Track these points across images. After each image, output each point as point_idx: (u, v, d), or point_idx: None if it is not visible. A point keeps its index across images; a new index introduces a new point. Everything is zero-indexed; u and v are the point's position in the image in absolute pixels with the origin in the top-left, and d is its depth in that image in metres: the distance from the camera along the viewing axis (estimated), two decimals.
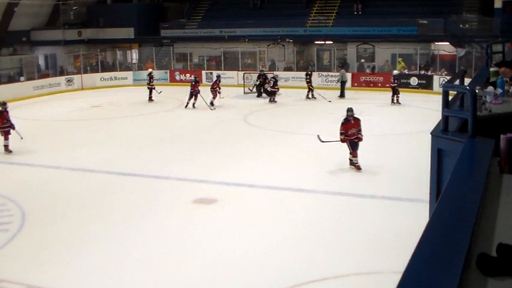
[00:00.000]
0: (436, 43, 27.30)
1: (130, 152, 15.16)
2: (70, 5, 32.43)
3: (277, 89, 24.11)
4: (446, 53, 26.58)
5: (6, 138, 14.98)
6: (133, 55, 34.55)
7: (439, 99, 4.62)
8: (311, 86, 24.09)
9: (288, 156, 14.07)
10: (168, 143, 16.23)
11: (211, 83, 23.69)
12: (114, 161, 14.06)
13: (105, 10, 33.95)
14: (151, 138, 16.84)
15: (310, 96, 24.04)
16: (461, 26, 26.67)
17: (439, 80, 24.70)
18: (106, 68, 31.87)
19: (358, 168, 12.42)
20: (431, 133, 4.46)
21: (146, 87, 25.28)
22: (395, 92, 22.21)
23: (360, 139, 12.48)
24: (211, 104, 22.35)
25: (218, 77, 23.65)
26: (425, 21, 26.99)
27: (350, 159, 12.58)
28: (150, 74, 25.26)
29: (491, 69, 5.93)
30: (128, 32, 32.25)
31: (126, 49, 34.12)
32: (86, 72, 30.52)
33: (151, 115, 21.43)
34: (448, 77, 19.64)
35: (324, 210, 10.24)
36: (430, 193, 4.38)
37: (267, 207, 10.48)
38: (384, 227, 9.34)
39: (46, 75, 29.46)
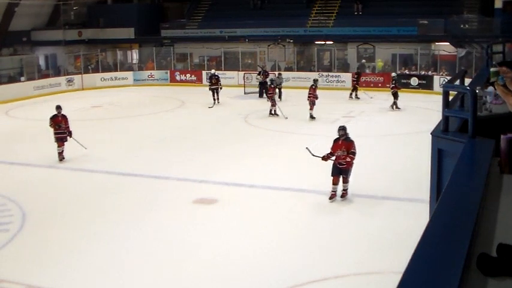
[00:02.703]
0: (437, 43, 27.30)
1: (130, 152, 15.16)
2: (70, 5, 32.42)
3: (273, 91, 20.88)
4: (447, 53, 26.58)
5: (59, 145, 13.91)
6: (134, 55, 34.55)
7: (439, 99, 4.61)
8: (357, 85, 24.02)
9: (288, 156, 14.06)
10: (168, 143, 16.23)
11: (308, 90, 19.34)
12: (114, 161, 14.07)
13: (105, 10, 33.94)
14: (151, 139, 16.84)
15: (353, 96, 23.89)
16: (461, 26, 26.66)
17: (439, 80, 24.70)
18: (106, 68, 31.87)
19: (331, 197, 10.51)
20: (431, 133, 4.46)
21: (208, 88, 23.42)
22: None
23: (343, 165, 10.38)
24: (311, 116, 18.95)
25: (315, 81, 20.01)
26: (426, 22, 27.00)
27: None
28: (212, 76, 23.79)
29: (492, 69, 5.93)
30: (128, 32, 32.24)
31: (126, 49, 34.11)
32: (86, 72, 30.53)
33: (151, 115, 21.43)
34: (449, 77, 19.62)
35: (324, 210, 10.24)
36: (431, 193, 4.38)
37: (267, 207, 10.48)
38: (384, 227, 9.34)
39: (46, 76, 29.47)
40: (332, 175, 10.47)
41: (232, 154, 14.60)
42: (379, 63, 28.53)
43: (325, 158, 10.58)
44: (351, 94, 24.02)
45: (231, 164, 13.59)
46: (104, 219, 10.04)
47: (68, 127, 14.03)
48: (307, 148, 10.97)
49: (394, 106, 21.07)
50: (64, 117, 14.06)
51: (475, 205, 2.56)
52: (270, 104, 20.37)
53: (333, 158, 10.49)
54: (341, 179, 10.52)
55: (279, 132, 17.45)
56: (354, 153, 10.42)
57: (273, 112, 19.99)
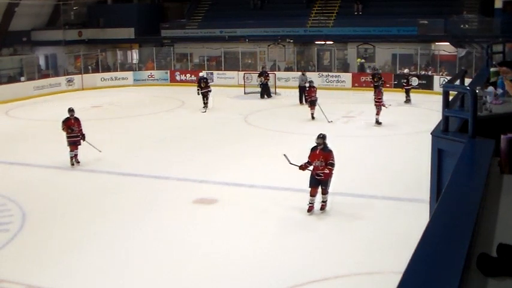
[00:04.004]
0: (437, 43, 27.31)
1: (130, 152, 15.16)
2: (70, 5, 32.44)
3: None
4: (447, 53, 26.58)
5: (72, 149, 13.43)
6: (134, 55, 34.56)
7: (439, 99, 4.61)
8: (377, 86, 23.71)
9: (288, 156, 14.04)
10: (169, 143, 16.23)
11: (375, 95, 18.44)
12: (114, 161, 14.06)
13: (105, 10, 33.95)
14: (151, 139, 16.84)
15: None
16: (461, 26, 26.67)
17: (439, 80, 24.70)
18: (106, 68, 31.88)
19: (308, 209, 9.89)
20: (431, 133, 4.46)
21: (197, 93, 21.97)
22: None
23: (321, 176, 9.76)
24: (377, 122, 17.75)
25: (383, 83, 19.02)
26: (426, 21, 27.00)
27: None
28: (201, 79, 22.42)
29: (492, 69, 5.94)
30: (128, 32, 32.25)
31: (126, 49, 34.12)
32: (86, 72, 30.53)
33: (151, 115, 21.43)
34: (449, 77, 19.62)
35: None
36: (431, 193, 4.38)
37: (267, 207, 10.47)
38: (384, 227, 9.35)
39: (46, 76, 29.47)
40: (310, 186, 9.82)
41: (232, 154, 14.59)
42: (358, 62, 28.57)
43: (302, 167, 9.92)
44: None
45: (231, 164, 13.59)
46: (104, 219, 10.04)
47: (81, 130, 13.57)
48: (284, 155, 10.23)
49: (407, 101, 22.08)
50: (77, 120, 13.57)
51: (475, 205, 2.55)
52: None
53: (311, 167, 9.86)
54: (320, 190, 9.88)
55: (279, 132, 17.44)
56: (332, 165, 9.71)
57: (315, 116, 18.83)
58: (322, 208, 10.03)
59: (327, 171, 9.70)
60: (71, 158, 13.54)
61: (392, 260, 7.44)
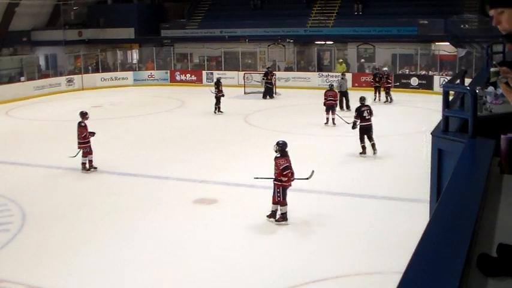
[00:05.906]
0: (437, 43, 27.32)
1: (130, 152, 15.15)
2: (70, 5, 32.43)
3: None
4: (447, 53, 26.59)
5: (85, 155, 12.95)
6: (134, 55, 34.57)
7: (439, 99, 4.61)
8: (378, 86, 23.00)
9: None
10: (169, 143, 16.22)
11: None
12: (114, 161, 14.05)
13: (105, 10, 33.97)
14: (151, 139, 16.84)
15: (376, 99, 22.72)
16: (461, 26, 26.68)
17: (439, 80, 24.70)
18: (106, 68, 31.89)
19: (268, 215, 9.56)
20: (431, 133, 4.46)
21: (212, 91, 21.16)
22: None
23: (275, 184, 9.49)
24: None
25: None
26: (426, 22, 27.02)
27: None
28: (218, 82, 21.45)
29: (492, 69, 5.93)
30: (129, 32, 32.26)
31: (126, 49, 34.12)
32: (86, 72, 30.53)
33: (151, 115, 21.42)
34: (449, 77, 19.61)
35: (324, 210, 10.24)
36: (431, 193, 4.38)
37: (267, 207, 10.45)
38: (384, 227, 9.34)
39: (46, 76, 29.48)
40: (273, 194, 9.59)
41: (232, 154, 14.59)
42: (338, 66, 28.13)
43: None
44: (374, 98, 22.75)
45: (231, 164, 13.59)
46: (104, 219, 10.04)
47: None
48: (313, 171, 9.94)
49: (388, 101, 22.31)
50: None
51: (475, 205, 2.55)
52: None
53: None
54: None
55: (279, 133, 17.39)
56: (284, 169, 9.33)
57: (329, 122, 17.88)
58: (278, 220, 9.45)
59: (284, 178, 9.33)
60: (84, 163, 12.98)
61: (392, 260, 7.44)
